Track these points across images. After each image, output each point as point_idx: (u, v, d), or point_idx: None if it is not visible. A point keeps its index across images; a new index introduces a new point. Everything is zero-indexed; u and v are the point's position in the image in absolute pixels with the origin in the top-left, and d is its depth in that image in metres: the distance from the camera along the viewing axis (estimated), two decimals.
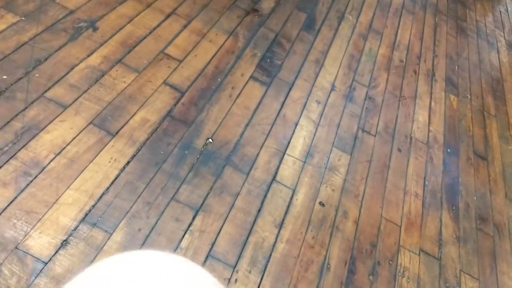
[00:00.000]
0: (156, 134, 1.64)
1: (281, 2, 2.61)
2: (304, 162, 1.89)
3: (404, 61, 2.81)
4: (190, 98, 1.82)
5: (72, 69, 1.68)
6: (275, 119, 1.97)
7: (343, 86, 2.35)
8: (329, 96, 2.25)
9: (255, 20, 2.36)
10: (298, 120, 2.03)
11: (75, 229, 1.32)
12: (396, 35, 2.98)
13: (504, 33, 3.89)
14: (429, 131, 2.45)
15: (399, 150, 2.23)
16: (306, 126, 2.03)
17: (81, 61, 1.72)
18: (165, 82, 1.81)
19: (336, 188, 1.88)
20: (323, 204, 1.79)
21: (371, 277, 1.68)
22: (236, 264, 1.47)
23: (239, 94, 1.96)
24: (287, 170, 1.81)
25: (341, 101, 2.27)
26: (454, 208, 2.14)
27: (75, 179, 1.41)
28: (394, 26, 3.05)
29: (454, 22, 3.56)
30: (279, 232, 1.62)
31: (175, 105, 1.76)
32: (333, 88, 2.30)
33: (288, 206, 1.71)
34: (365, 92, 2.40)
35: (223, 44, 2.12)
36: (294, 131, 1.98)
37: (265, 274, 1.50)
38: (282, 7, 2.57)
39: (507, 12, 4.28)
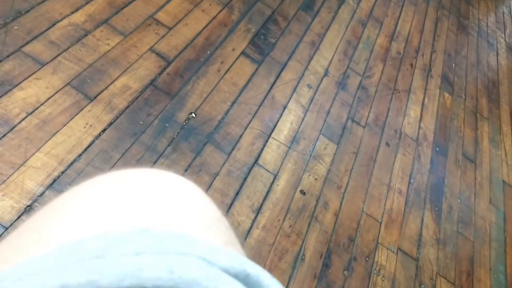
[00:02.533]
0: (137, 103, 1.59)
1: None
2: (289, 147, 1.85)
3: (402, 53, 2.78)
4: (176, 68, 1.77)
5: (54, 25, 1.61)
6: (263, 99, 1.93)
7: (337, 72, 2.31)
8: (321, 81, 2.21)
9: None
10: (287, 104, 1.99)
11: (41, 195, 1.27)
12: (396, 25, 2.94)
13: (505, 35, 3.88)
14: (419, 127, 2.44)
15: (388, 144, 2.21)
16: (295, 111, 1.99)
17: (64, 17, 1.65)
18: (151, 49, 1.75)
19: (319, 177, 1.85)
20: (304, 192, 1.77)
21: (345, 272, 1.67)
22: None
23: (228, 70, 1.91)
24: (271, 154, 1.78)
25: (333, 87, 2.23)
26: (437, 209, 2.13)
27: (46, 142, 1.36)
28: (395, 16, 3.01)
29: (456, 18, 3.53)
30: (256, 217, 1.59)
31: (159, 74, 1.71)
32: (326, 73, 2.26)
33: (268, 191, 1.68)
34: (358, 81, 2.37)
35: (216, 15, 2.06)
36: (281, 114, 1.94)
37: None
38: None
39: (510, 14, 4.27)
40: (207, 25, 1.99)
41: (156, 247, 0.25)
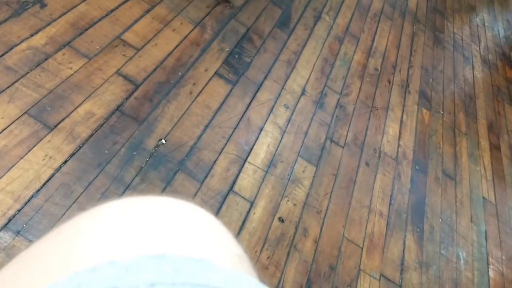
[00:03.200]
0: (102, 131, 1.48)
1: None
2: (266, 172, 1.76)
3: (379, 69, 2.73)
4: (145, 92, 1.66)
5: (11, 49, 1.49)
6: (238, 122, 1.84)
7: (314, 91, 2.24)
8: (298, 100, 2.13)
9: (226, 12, 2.22)
10: (264, 125, 1.91)
11: None
12: (373, 41, 2.89)
13: (479, 48, 3.88)
14: (398, 145, 2.38)
15: (367, 164, 2.14)
16: (272, 132, 1.91)
17: (22, 41, 1.53)
18: (118, 72, 1.65)
19: (298, 202, 1.76)
20: (282, 220, 1.67)
21: None
22: None
23: (200, 92, 1.82)
24: (247, 180, 1.69)
25: (311, 107, 2.15)
26: (418, 230, 2.07)
27: (1, 177, 1.24)
28: (371, 32, 2.96)
29: (431, 32, 3.51)
30: None
31: (127, 98, 1.60)
32: (303, 92, 2.18)
33: (244, 220, 1.58)
34: (336, 100, 2.30)
35: (188, 34, 1.97)
36: (258, 137, 1.85)
37: None
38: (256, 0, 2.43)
39: (484, 26, 4.29)
40: (178, 45, 1.90)
41: (172, 277, 0.23)
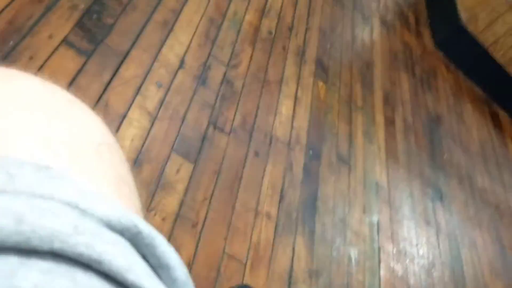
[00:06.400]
0: None
1: None
2: None
3: (273, 32, 2.47)
4: None
5: None
6: (93, 107, 1.48)
7: (195, 62, 1.93)
8: (175, 76, 1.81)
9: None
10: (127, 112, 1.57)
11: None
12: None
13: (379, 6, 3.78)
14: (292, 127, 2.18)
15: (257, 154, 1.91)
16: (138, 121, 1.59)
17: None
18: None
19: (168, 215, 1.49)
20: None
21: None
22: None
23: (40, 67, 1.43)
24: None
25: (191, 84, 1.85)
26: (309, 230, 1.92)
27: None
28: None
29: None
30: None
31: None
32: (182, 64, 1.86)
33: None
34: (223, 73, 2.01)
35: None
36: (118, 128, 1.52)
37: None
38: None
39: None
40: (10, 2, 1.46)
41: (3, 183, 0.18)
